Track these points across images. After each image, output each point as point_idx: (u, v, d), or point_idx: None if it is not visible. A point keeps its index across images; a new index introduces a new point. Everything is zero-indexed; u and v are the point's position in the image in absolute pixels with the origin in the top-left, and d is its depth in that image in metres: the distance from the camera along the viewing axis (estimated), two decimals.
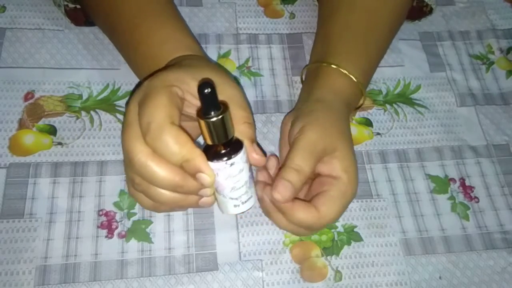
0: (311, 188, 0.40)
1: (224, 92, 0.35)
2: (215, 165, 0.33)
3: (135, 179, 0.34)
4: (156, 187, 0.33)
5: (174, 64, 0.38)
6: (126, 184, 0.38)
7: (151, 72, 0.41)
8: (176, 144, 0.31)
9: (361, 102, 0.47)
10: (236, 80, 0.40)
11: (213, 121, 0.31)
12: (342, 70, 0.43)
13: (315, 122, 0.39)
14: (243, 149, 0.34)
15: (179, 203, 0.35)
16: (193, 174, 0.32)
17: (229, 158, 0.33)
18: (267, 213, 0.40)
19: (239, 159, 0.33)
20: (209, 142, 0.32)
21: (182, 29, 0.44)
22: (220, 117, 0.31)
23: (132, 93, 0.41)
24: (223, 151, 0.33)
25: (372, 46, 0.47)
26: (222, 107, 0.31)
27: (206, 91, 0.29)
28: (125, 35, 0.44)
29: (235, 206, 0.36)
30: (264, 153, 0.37)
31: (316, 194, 0.38)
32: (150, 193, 0.34)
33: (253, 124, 0.36)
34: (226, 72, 0.38)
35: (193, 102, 0.35)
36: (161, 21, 0.43)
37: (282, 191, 0.35)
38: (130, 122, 0.33)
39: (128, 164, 0.34)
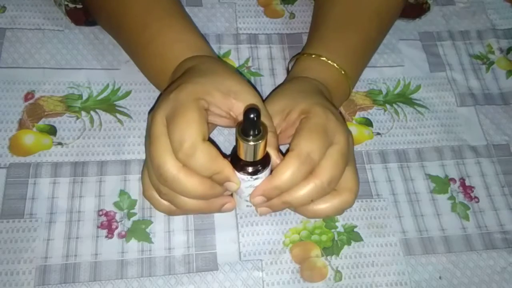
0: None
1: (245, 101, 0.36)
2: (241, 176, 0.35)
3: (162, 190, 0.35)
4: (184, 197, 0.35)
5: (194, 70, 0.38)
6: (142, 186, 0.39)
7: (161, 72, 0.42)
8: (209, 161, 0.33)
9: (350, 93, 0.46)
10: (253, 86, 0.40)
11: (249, 145, 0.32)
12: (322, 58, 0.43)
13: (267, 98, 0.41)
14: (269, 166, 0.35)
15: (203, 210, 0.37)
16: (221, 183, 0.34)
17: (255, 174, 0.35)
18: (292, 208, 0.39)
19: (264, 175, 0.35)
20: (242, 157, 0.34)
21: (192, 29, 0.44)
22: (258, 142, 0.32)
23: (156, 102, 0.40)
24: (251, 168, 0.35)
25: (352, 34, 0.46)
26: (262, 132, 0.32)
27: (252, 116, 0.31)
28: (133, 34, 0.44)
29: (247, 206, 0.39)
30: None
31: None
32: (177, 202, 0.36)
33: (275, 132, 0.37)
34: (242, 77, 0.38)
35: (216, 112, 0.37)
36: (170, 21, 0.43)
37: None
38: (158, 135, 0.34)
39: (158, 176, 0.35)
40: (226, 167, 0.34)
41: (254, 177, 0.35)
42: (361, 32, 0.47)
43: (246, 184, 0.36)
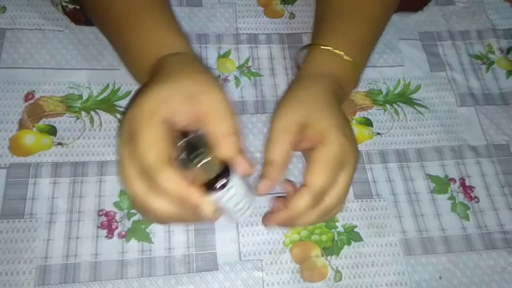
0: None
1: (204, 103, 0.34)
2: (213, 195, 0.34)
3: (137, 210, 0.36)
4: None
5: (157, 76, 0.36)
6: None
7: (139, 74, 0.41)
8: (172, 187, 0.32)
9: (358, 82, 0.46)
10: (218, 81, 0.39)
11: (197, 167, 0.32)
12: (327, 47, 0.43)
13: (282, 103, 0.40)
14: (234, 173, 0.34)
15: (182, 221, 0.36)
16: (194, 209, 0.33)
17: (224, 187, 0.34)
18: (290, 224, 0.39)
19: (233, 182, 0.34)
20: (202, 182, 0.33)
21: (165, 26, 0.42)
22: (203, 161, 0.32)
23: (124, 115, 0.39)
24: (216, 184, 0.34)
25: (361, 22, 0.46)
26: (203, 149, 0.32)
27: (180, 144, 0.31)
28: (115, 37, 0.44)
29: (241, 214, 0.37)
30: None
31: None
32: (153, 218, 0.35)
33: (237, 133, 0.35)
34: (208, 76, 0.36)
35: (184, 117, 0.34)
36: (143, 20, 0.42)
37: (262, 187, 0.37)
38: (123, 162, 0.33)
39: (129, 198, 0.35)
40: (193, 194, 0.32)
41: (226, 188, 0.34)
42: (369, 22, 0.47)
43: (225, 198, 0.35)
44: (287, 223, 0.37)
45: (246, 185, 0.36)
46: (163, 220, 0.35)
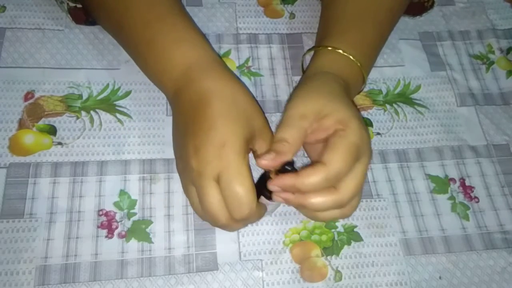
0: None
1: (253, 124, 0.39)
2: (265, 200, 0.39)
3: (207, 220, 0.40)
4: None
5: (219, 107, 0.38)
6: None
7: (163, 72, 0.42)
8: (257, 218, 0.40)
9: (363, 86, 0.47)
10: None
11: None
12: (338, 50, 0.43)
13: (299, 93, 0.40)
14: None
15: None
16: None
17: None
18: (300, 207, 0.40)
19: None
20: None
21: (194, 28, 0.44)
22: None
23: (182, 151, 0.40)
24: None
25: (369, 26, 0.47)
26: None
27: (287, 168, 0.37)
28: (134, 33, 0.44)
29: (275, 208, 0.43)
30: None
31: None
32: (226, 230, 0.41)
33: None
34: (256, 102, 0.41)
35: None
36: (172, 19, 0.43)
37: (266, 157, 0.37)
38: (211, 194, 0.36)
39: (210, 221, 0.39)
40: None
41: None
42: (377, 27, 0.47)
43: (272, 205, 0.40)
44: (291, 190, 0.37)
45: None
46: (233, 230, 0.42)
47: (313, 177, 0.35)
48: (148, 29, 0.43)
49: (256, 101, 0.41)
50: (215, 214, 0.37)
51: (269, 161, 0.36)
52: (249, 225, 0.43)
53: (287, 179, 0.36)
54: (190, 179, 0.38)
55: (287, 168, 0.36)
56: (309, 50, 0.47)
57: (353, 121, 0.37)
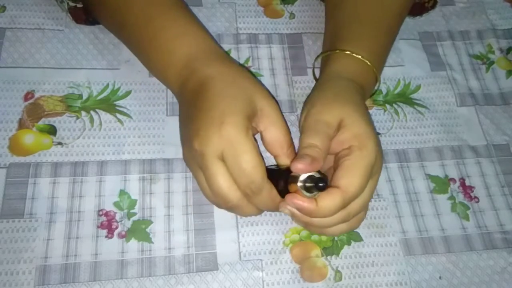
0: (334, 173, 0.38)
1: (272, 120, 0.39)
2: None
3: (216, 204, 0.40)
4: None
5: (221, 88, 0.38)
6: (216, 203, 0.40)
7: (167, 66, 0.42)
8: (270, 201, 0.37)
9: (376, 87, 0.47)
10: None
11: (310, 195, 0.36)
12: (356, 55, 0.43)
13: (318, 100, 0.40)
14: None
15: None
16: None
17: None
18: (309, 223, 0.38)
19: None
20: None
21: (196, 23, 0.44)
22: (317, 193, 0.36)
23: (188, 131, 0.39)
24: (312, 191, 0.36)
25: (382, 31, 0.47)
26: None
27: (321, 185, 0.34)
28: (137, 29, 0.44)
29: None
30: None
31: (334, 172, 0.37)
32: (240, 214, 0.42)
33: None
34: (263, 85, 0.41)
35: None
36: (174, 14, 0.43)
37: (301, 161, 0.35)
38: (218, 173, 0.36)
39: (222, 203, 0.38)
40: (280, 205, 0.37)
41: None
42: (388, 32, 0.48)
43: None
44: (309, 216, 0.36)
45: None
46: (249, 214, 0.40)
47: (331, 203, 0.35)
48: (150, 26, 0.43)
49: (262, 84, 0.40)
50: (224, 193, 0.36)
51: (306, 166, 0.35)
52: (249, 225, 0.43)
53: (306, 204, 0.35)
54: (197, 163, 0.37)
55: (314, 175, 0.35)
56: (323, 53, 0.46)
57: (371, 140, 0.37)
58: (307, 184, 0.35)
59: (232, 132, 0.35)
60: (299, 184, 0.35)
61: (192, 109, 0.39)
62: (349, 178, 0.36)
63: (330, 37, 0.48)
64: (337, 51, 0.44)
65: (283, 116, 0.40)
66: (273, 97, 0.40)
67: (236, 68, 0.41)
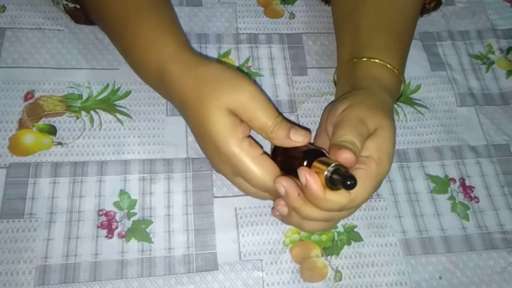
0: None
1: (260, 108, 0.37)
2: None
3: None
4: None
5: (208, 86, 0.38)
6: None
7: (148, 80, 0.44)
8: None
9: (400, 93, 0.47)
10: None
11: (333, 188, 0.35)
12: (386, 64, 0.43)
13: (361, 102, 0.39)
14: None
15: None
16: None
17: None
18: (297, 209, 0.37)
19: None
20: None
21: (166, 27, 0.43)
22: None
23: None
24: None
25: (404, 36, 0.47)
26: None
27: (349, 183, 0.32)
28: (116, 38, 0.45)
29: None
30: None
31: None
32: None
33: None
34: (231, 67, 0.40)
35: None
36: (142, 21, 0.42)
37: (346, 153, 0.34)
38: (258, 179, 0.37)
39: (264, 189, 0.38)
40: (276, 180, 0.37)
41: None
42: (409, 38, 0.48)
43: None
44: (310, 200, 0.36)
45: None
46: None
47: (335, 202, 0.35)
48: (124, 35, 0.43)
49: (240, 72, 0.39)
50: (265, 183, 0.37)
51: (353, 160, 0.35)
52: (249, 225, 0.43)
53: (317, 187, 0.34)
54: (229, 172, 0.40)
55: (345, 170, 0.34)
56: (349, 60, 0.45)
57: (389, 161, 0.38)
58: (334, 176, 0.34)
59: (228, 153, 0.37)
60: (328, 169, 0.34)
61: (189, 123, 0.41)
62: (360, 187, 0.34)
63: (353, 42, 0.47)
64: (364, 58, 0.44)
65: (261, 95, 0.38)
66: (245, 81, 0.38)
67: (199, 66, 0.40)
